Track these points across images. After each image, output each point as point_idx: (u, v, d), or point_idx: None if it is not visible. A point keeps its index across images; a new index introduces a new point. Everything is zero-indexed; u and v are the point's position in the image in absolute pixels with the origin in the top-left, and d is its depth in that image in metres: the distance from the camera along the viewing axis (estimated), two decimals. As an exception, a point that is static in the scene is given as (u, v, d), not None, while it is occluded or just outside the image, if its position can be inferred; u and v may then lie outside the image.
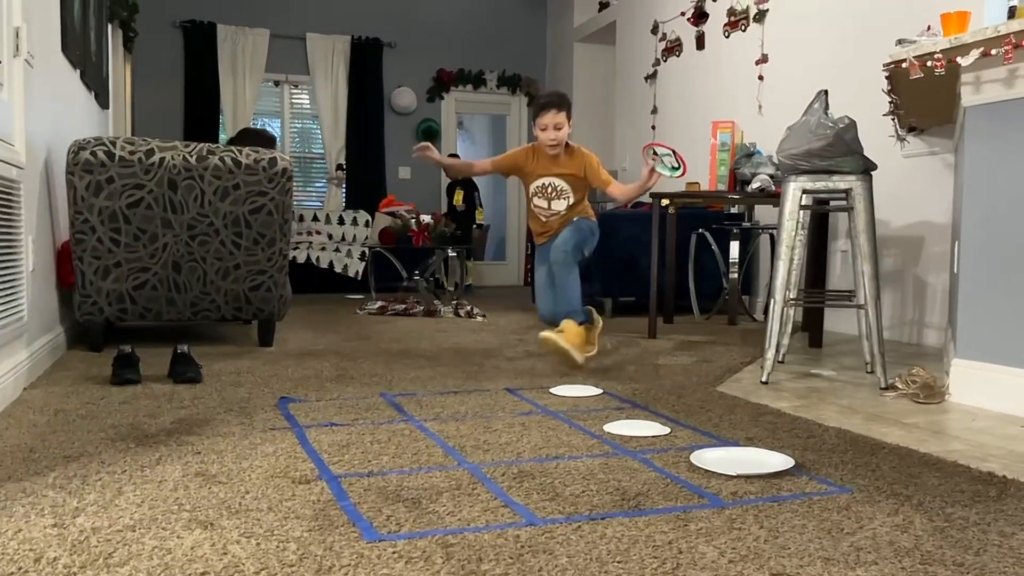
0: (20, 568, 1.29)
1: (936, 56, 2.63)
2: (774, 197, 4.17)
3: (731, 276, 5.17)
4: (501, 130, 9.52)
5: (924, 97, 3.26)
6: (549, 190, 3.35)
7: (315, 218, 7.82)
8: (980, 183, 2.68)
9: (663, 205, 4.53)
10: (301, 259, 7.02)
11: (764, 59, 5.56)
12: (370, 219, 7.48)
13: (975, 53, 2.51)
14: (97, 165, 3.40)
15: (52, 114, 3.48)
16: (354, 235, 7.50)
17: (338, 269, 7.08)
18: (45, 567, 1.30)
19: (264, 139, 4.92)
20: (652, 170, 3.12)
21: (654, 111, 6.96)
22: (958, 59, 2.57)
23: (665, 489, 1.73)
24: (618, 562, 1.34)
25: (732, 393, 2.84)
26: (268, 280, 3.73)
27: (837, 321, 4.71)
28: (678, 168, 3.10)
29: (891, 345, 4.11)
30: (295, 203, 6.15)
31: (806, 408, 2.62)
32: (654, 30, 6.92)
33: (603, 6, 7.91)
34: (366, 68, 8.26)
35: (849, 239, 4.14)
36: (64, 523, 1.49)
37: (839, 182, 3.01)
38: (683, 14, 6.47)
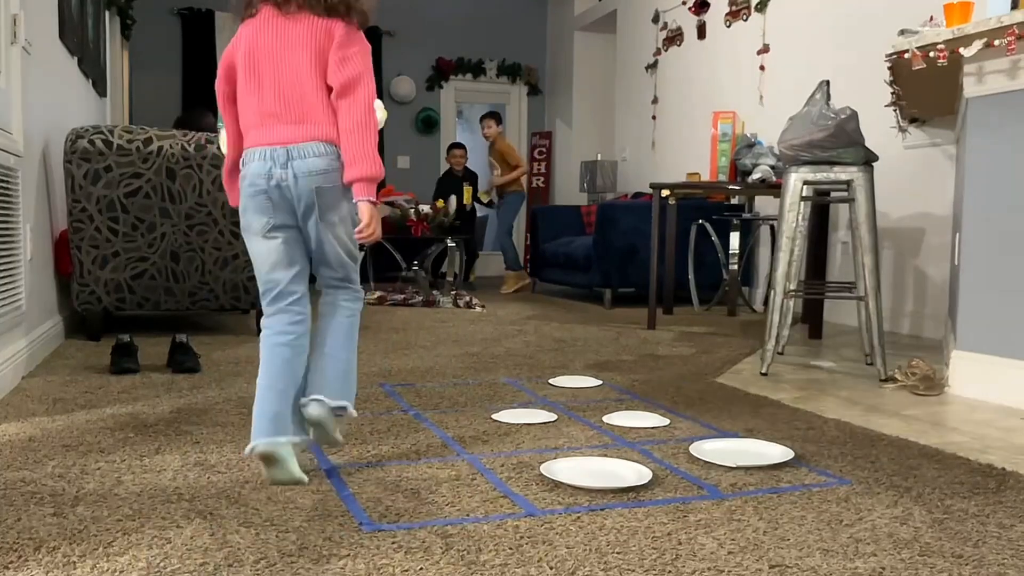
0: (20, 557, 1.29)
1: (939, 47, 2.61)
2: (775, 188, 4.16)
3: (731, 267, 5.17)
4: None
5: (926, 88, 3.25)
6: None
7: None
8: (982, 175, 2.67)
9: (663, 196, 4.51)
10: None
11: (766, 49, 5.53)
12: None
13: (978, 44, 2.50)
14: (95, 153, 3.38)
15: (50, 102, 3.46)
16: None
17: (337, 259, 7.07)
18: (45, 556, 1.29)
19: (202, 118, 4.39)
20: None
21: (655, 101, 6.94)
22: (961, 50, 2.55)
23: (664, 480, 1.73)
24: (617, 553, 1.34)
25: (731, 384, 2.84)
26: (267, 269, 3.72)
27: (837, 312, 4.71)
28: None
29: (890, 337, 4.11)
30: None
31: (805, 400, 2.62)
32: (655, 19, 6.89)
33: (604, -5, 7.88)
34: (365, 57, 8.22)
35: (850, 230, 4.14)
36: (64, 512, 1.49)
37: (840, 173, 3.00)
38: (684, 3, 6.44)
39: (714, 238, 5.28)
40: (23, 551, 1.31)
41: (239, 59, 1.74)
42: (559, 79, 8.76)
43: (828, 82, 3.07)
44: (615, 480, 1.71)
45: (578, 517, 1.50)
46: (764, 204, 5.44)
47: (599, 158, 7.40)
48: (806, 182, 3.05)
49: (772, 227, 4.95)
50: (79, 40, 4.06)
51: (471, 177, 7.25)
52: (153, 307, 3.65)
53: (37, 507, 1.51)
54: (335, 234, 1.71)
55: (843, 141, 2.93)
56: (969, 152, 2.72)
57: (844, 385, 2.89)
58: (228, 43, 1.83)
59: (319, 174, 1.66)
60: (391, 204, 6.71)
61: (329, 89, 1.68)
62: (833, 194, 3.87)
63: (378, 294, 5.75)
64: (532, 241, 6.94)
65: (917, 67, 2.71)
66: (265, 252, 1.71)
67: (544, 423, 2.22)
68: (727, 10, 5.93)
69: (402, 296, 5.66)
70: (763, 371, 3.04)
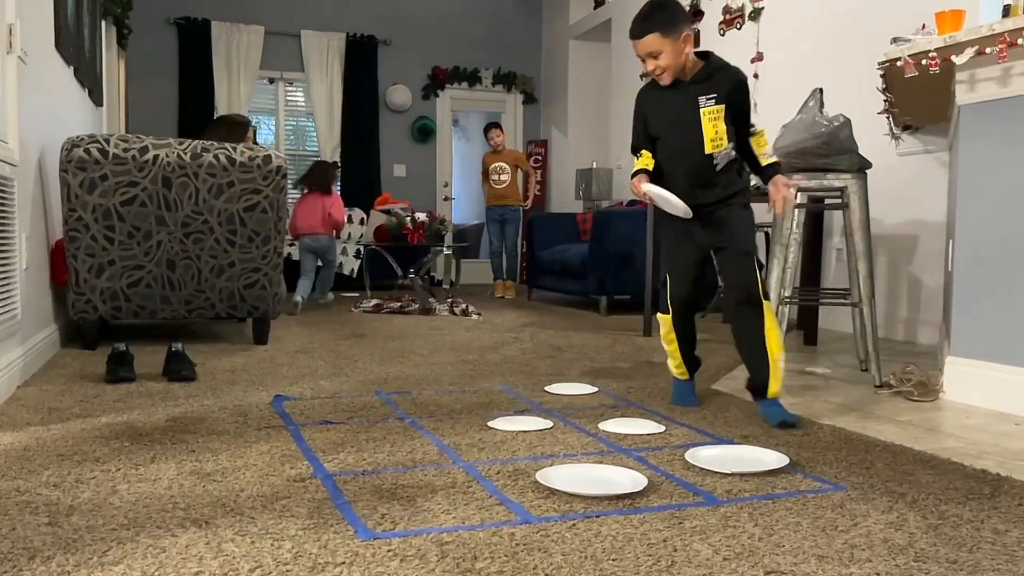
0: (15, 567, 1.29)
1: (931, 55, 2.63)
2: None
3: (726, 274, 5.16)
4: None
5: (919, 95, 3.27)
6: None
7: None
8: (975, 181, 2.68)
9: (658, 203, 4.52)
10: (296, 256, 7.02)
11: (759, 57, 5.56)
12: (365, 217, 7.47)
13: (969, 52, 2.52)
14: (91, 162, 3.38)
15: (46, 111, 3.46)
16: (349, 233, 7.49)
17: (333, 267, 7.07)
18: (39, 566, 1.29)
19: (237, 125, 4.66)
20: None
21: (649, 109, 6.95)
22: (953, 58, 2.57)
23: (660, 487, 1.73)
24: (613, 560, 1.34)
25: (727, 391, 2.84)
26: (263, 278, 3.72)
27: (832, 319, 4.72)
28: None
29: (885, 343, 4.12)
30: (290, 201, 6.14)
31: (801, 406, 2.62)
32: (649, 28, 6.91)
33: (598, 4, 7.91)
34: (361, 65, 8.23)
35: (844, 237, 4.15)
36: (58, 521, 1.49)
37: (834, 180, 3.01)
38: (678, 12, 6.46)
39: (709, 245, 5.28)
40: (17, 561, 1.31)
41: (299, 206, 5.95)
42: (554, 88, 8.79)
43: (821, 90, 3.09)
44: (611, 487, 1.70)
45: (574, 524, 1.50)
46: (758, 211, 5.45)
47: (594, 166, 7.42)
48: (800, 189, 3.07)
49: (766, 234, 4.96)
50: (75, 49, 4.06)
51: (721, 90, 2.39)
52: (149, 316, 3.64)
53: (32, 516, 1.51)
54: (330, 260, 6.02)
55: (836, 148, 2.95)
56: (962, 159, 2.73)
57: (839, 391, 2.89)
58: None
59: (321, 244, 5.86)
60: (388, 212, 6.72)
61: (329, 216, 5.88)
62: (827, 201, 3.88)
63: (374, 302, 5.75)
64: (528, 249, 6.95)
65: (909, 75, 2.73)
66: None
67: (540, 430, 2.23)
68: (721, 19, 5.96)
69: (399, 304, 5.66)
70: (758, 378, 3.04)
